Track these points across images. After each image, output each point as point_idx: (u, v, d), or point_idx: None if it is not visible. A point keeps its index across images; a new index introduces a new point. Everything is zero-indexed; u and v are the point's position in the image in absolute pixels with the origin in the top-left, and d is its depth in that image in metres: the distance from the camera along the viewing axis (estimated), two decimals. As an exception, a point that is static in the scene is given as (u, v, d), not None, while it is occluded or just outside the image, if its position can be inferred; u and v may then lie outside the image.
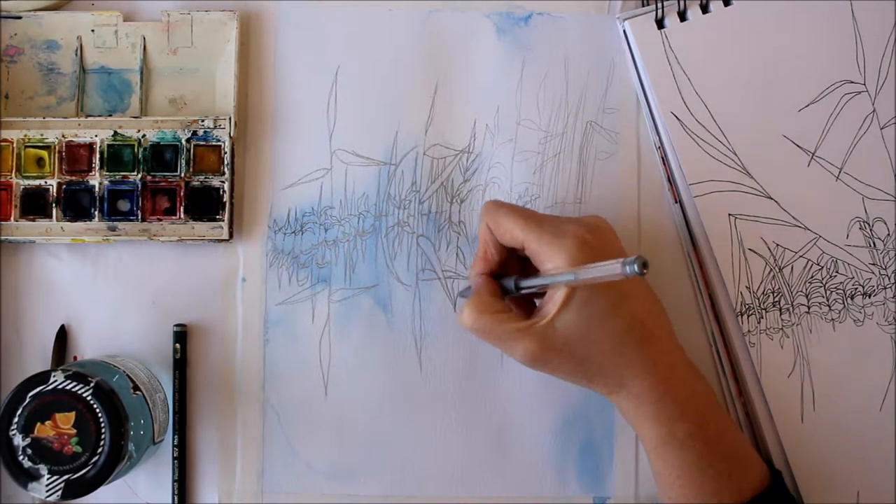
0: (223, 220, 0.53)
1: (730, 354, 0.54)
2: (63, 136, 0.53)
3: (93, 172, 0.53)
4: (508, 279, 0.49)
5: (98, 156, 0.53)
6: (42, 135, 0.53)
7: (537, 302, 0.49)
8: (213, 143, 0.54)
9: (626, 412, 0.48)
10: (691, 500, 0.46)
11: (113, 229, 0.53)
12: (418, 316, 0.55)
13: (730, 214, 0.54)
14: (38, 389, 0.46)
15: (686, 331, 0.54)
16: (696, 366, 0.49)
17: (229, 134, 0.54)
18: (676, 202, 0.55)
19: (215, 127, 0.54)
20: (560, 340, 0.46)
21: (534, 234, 0.47)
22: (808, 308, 0.54)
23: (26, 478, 0.45)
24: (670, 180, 0.55)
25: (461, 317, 0.48)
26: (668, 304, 0.53)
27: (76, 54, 0.54)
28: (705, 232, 0.53)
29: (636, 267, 0.38)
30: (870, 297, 0.54)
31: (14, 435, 0.45)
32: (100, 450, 0.46)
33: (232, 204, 0.54)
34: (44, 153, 0.54)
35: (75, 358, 0.54)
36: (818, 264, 0.54)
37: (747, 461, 0.48)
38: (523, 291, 0.48)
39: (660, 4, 0.54)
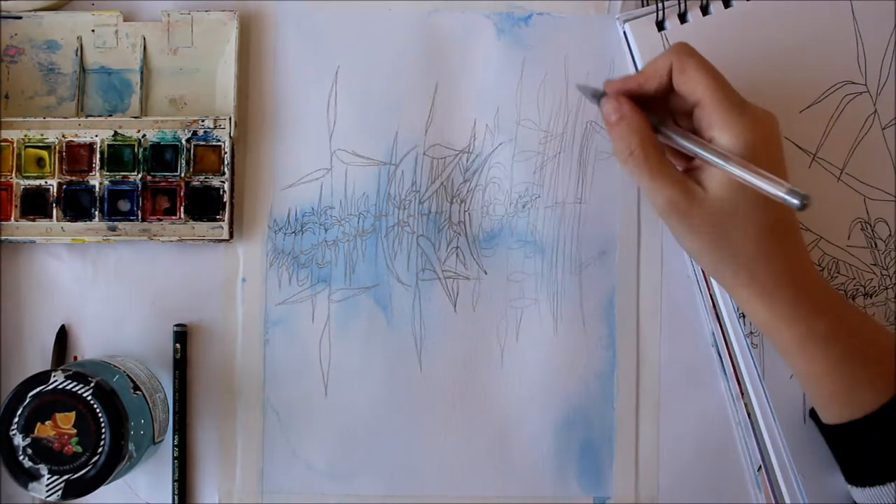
0: (223, 220, 0.53)
1: (731, 355, 0.54)
2: (63, 136, 0.53)
3: (93, 172, 0.53)
4: (650, 116, 0.46)
5: (98, 156, 0.53)
6: (42, 135, 0.53)
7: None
8: (213, 143, 0.54)
9: (755, 313, 0.47)
10: (844, 394, 0.46)
11: (113, 229, 0.53)
12: (418, 316, 0.55)
13: (730, 215, 0.54)
14: (38, 389, 0.46)
15: (687, 331, 0.54)
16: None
17: (229, 134, 0.54)
18: (677, 202, 0.55)
19: (215, 127, 0.54)
20: (708, 207, 0.45)
21: (718, 97, 0.45)
22: (809, 308, 0.53)
23: (26, 478, 0.45)
24: (671, 180, 0.55)
25: (621, 150, 0.46)
26: (669, 305, 0.53)
27: (76, 54, 0.54)
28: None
29: (798, 199, 0.37)
30: (871, 297, 0.54)
31: (14, 435, 0.45)
32: (100, 450, 0.46)
33: (232, 204, 0.54)
34: (44, 153, 0.54)
35: (75, 358, 0.54)
36: (819, 265, 0.54)
37: (889, 347, 0.47)
38: (662, 140, 0.46)
39: (660, 6, 0.54)
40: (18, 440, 0.45)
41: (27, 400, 0.46)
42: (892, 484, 0.46)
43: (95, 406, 0.46)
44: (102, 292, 0.54)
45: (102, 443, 0.46)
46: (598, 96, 0.48)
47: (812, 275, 0.47)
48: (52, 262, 0.54)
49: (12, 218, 0.53)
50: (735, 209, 0.45)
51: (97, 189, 0.53)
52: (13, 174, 0.53)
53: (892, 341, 0.48)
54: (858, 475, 0.48)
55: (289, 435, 0.54)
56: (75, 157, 0.54)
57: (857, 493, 0.49)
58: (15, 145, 0.53)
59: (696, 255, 0.48)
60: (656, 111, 0.47)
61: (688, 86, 0.46)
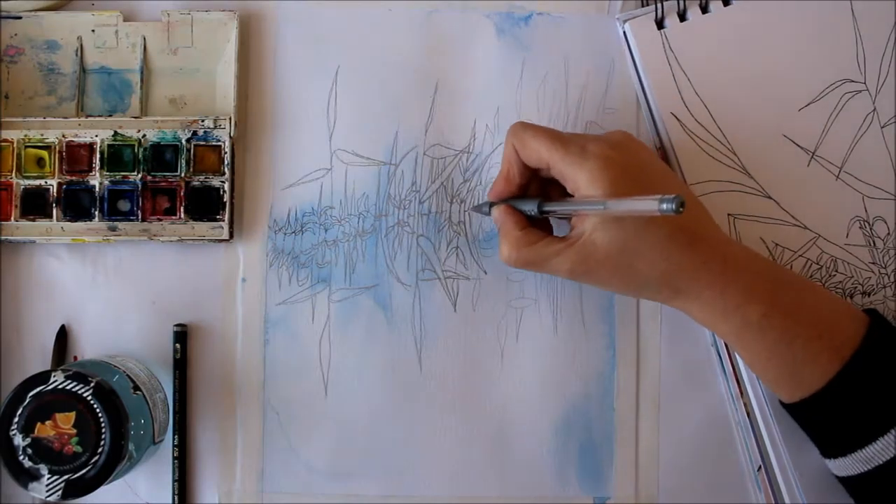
0: (223, 220, 0.53)
1: (731, 355, 0.54)
2: (63, 136, 0.53)
3: (93, 172, 0.53)
4: (530, 203, 0.49)
5: (98, 156, 0.53)
6: (42, 135, 0.53)
7: (554, 224, 0.50)
8: (213, 143, 0.54)
9: (692, 315, 0.48)
10: (788, 375, 0.47)
11: (113, 229, 0.53)
12: (418, 316, 0.55)
13: (729, 214, 0.54)
14: (38, 389, 0.46)
15: (687, 331, 0.54)
16: (751, 248, 0.49)
17: (229, 134, 0.54)
18: (676, 202, 0.55)
19: (215, 127, 0.54)
20: (601, 254, 0.46)
21: (559, 155, 0.47)
22: (809, 308, 0.53)
23: (26, 478, 0.45)
24: (670, 180, 0.55)
25: (501, 255, 0.49)
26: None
27: (76, 54, 0.54)
28: (705, 231, 0.53)
29: (673, 205, 0.37)
30: (869, 295, 0.54)
31: (14, 435, 0.45)
32: (100, 450, 0.45)
33: (232, 204, 0.54)
34: (44, 153, 0.54)
35: (75, 358, 0.54)
36: (818, 263, 0.54)
37: (835, 317, 0.47)
38: (545, 216, 0.48)
39: (659, 5, 0.54)
40: (18, 440, 0.45)
41: (27, 400, 0.45)
42: (853, 455, 0.47)
43: (95, 406, 0.46)
44: (102, 292, 0.54)
45: (102, 443, 0.45)
46: (488, 208, 0.52)
47: (738, 263, 0.47)
48: (52, 262, 0.54)
49: (12, 218, 0.53)
50: (625, 241, 0.46)
51: (97, 189, 0.53)
52: (13, 174, 0.53)
53: (840, 309, 0.48)
54: (824, 448, 0.49)
55: (289, 435, 0.54)
56: (75, 157, 0.54)
57: (829, 464, 0.49)
58: (15, 145, 0.53)
59: (619, 292, 0.50)
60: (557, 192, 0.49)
61: (532, 158, 0.48)
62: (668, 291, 0.47)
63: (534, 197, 0.49)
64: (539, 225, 0.50)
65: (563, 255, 0.47)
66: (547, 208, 0.48)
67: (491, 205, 0.51)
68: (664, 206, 0.37)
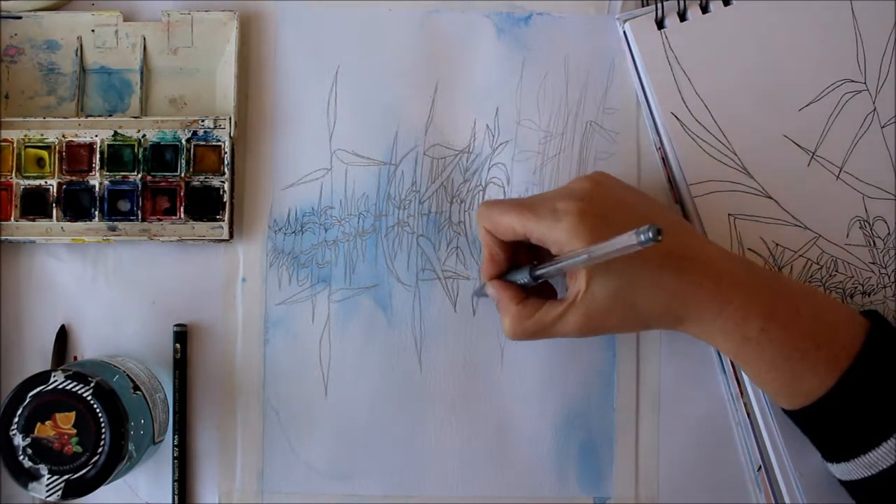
0: (223, 220, 0.53)
1: (731, 356, 0.54)
2: (63, 136, 0.53)
3: (93, 172, 0.53)
4: (521, 272, 0.49)
5: (98, 156, 0.53)
6: (42, 135, 0.53)
7: (556, 284, 0.50)
8: (213, 143, 0.54)
9: (697, 337, 0.48)
10: (788, 386, 0.47)
11: (113, 229, 0.53)
12: (418, 316, 0.55)
13: (729, 214, 0.54)
14: (38, 389, 0.46)
15: (686, 330, 0.54)
16: (747, 260, 0.50)
17: (229, 134, 0.54)
18: (677, 202, 0.55)
19: (215, 127, 0.54)
20: (602, 302, 0.46)
21: (532, 223, 0.47)
22: (809, 308, 0.53)
23: (26, 478, 0.45)
24: (670, 180, 0.55)
25: (505, 331, 0.49)
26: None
27: (76, 54, 0.54)
28: (705, 232, 0.53)
29: (651, 234, 0.37)
30: (869, 295, 0.54)
31: (14, 435, 0.45)
32: (100, 450, 0.45)
33: (232, 204, 0.54)
34: (44, 153, 0.54)
35: (75, 358, 0.54)
36: (818, 263, 0.54)
37: (834, 324, 0.47)
38: (541, 280, 0.48)
39: (660, 5, 0.54)
40: (18, 440, 0.45)
41: (27, 400, 0.45)
42: (855, 460, 0.47)
43: (95, 406, 0.46)
44: (102, 292, 0.54)
45: (102, 443, 0.45)
46: (481, 294, 0.53)
47: (732, 279, 0.47)
48: (52, 262, 0.54)
49: (12, 218, 0.53)
50: (621, 282, 0.46)
51: (97, 189, 0.53)
52: (13, 174, 0.53)
53: (840, 314, 0.48)
54: (826, 453, 0.49)
55: (289, 435, 0.54)
56: (75, 157, 0.54)
57: (832, 468, 0.49)
58: (15, 145, 0.53)
59: (629, 332, 0.51)
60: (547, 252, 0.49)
61: (508, 234, 0.48)
62: (672, 320, 0.47)
63: (524, 266, 0.49)
64: (538, 290, 0.50)
65: (566, 317, 0.47)
66: (538, 272, 0.48)
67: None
68: (641, 237, 0.37)
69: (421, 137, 0.55)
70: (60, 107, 0.55)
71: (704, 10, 0.55)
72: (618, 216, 0.47)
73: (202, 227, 0.53)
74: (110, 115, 0.55)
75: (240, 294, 0.55)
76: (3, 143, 0.53)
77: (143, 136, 0.54)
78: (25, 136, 0.53)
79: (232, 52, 0.54)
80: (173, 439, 0.53)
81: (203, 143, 0.54)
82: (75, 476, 0.45)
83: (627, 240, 0.38)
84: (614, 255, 0.41)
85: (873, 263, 0.54)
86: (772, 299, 0.47)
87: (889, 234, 0.54)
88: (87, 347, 0.54)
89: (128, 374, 0.49)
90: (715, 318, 0.47)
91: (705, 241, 0.49)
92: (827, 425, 0.47)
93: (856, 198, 0.54)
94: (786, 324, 0.46)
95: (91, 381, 0.46)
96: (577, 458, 0.54)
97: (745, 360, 0.47)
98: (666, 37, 0.54)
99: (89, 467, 0.45)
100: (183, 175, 0.54)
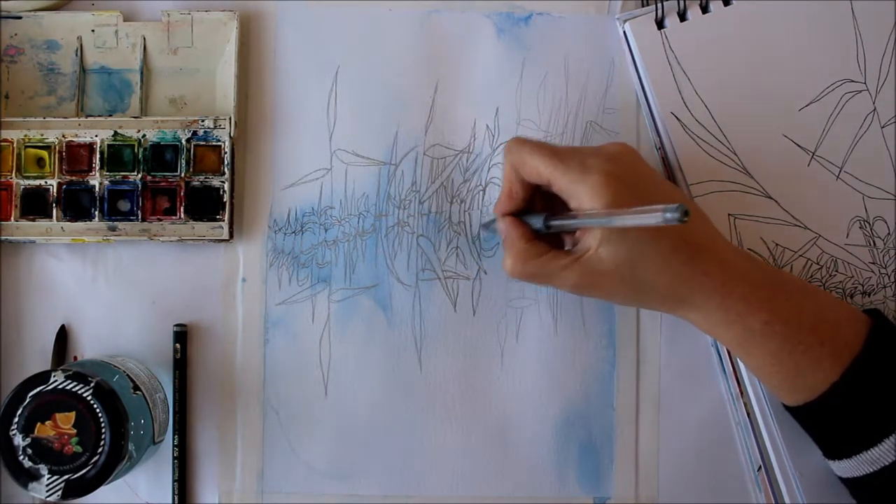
0: (223, 220, 0.53)
1: (731, 355, 0.54)
2: (63, 136, 0.53)
3: (93, 172, 0.53)
4: (536, 217, 0.48)
5: (98, 156, 0.53)
6: (42, 135, 0.53)
7: (565, 239, 0.49)
8: (213, 143, 0.54)
9: (695, 324, 0.48)
10: (790, 381, 0.47)
11: (113, 229, 0.53)
12: (418, 316, 0.55)
13: (729, 214, 0.54)
14: (38, 389, 0.46)
15: (687, 331, 0.54)
16: (753, 256, 0.49)
17: (229, 134, 0.54)
18: (676, 202, 0.55)
19: (215, 127, 0.54)
20: (607, 266, 0.46)
21: (559, 172, 0.46)
22: (809, 308, 0.53)
23: (26, 478, 0.45)
24: (670, 180, 0.55)
25: (505, 266, 0.48)
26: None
27: (76, 54, 0.54)
28: (705, 231, 0.53)
29: (678, 214, 0.36)
30: (869, 295, 0.54)
31: (14, 435, 0.45)
32: (100, 450, 0.45)
33: (232, 204, 0.54)
34: (44, 153, 0.54)
35: (75, 358, 0.54)
36: (818, 263, 0.54)
37: (837, 321, 0.47)
38: (553, 230, 0.48)
39: (660, 5, 0.54)
40: (18, 440, 0.45)
41: (27, 400, 0.45)
42: (857, 457, 0.47)
43: (95, 406, 0.46)
44: (102, 292, 0.54)
45: (102, 443, 0.45)
46: (488, 227, 0.53)
47: (739, 272, 0.47)
48: (52, 262, 0.54)
49: (12, 218, 0.53)
50: (630, 253, 0.46)
51: (97, 189, 0.53)
52: (13, 174, 0.53)
53: (842, 312, 0.48)
54: (828, 449, 0.49)
55: (289, 435, 0.54)
56: (75, 157, 0.54)
57: (832, 465, 0.49)
58: (15, 145, 0.53)
59: (624, 304, 0.50)
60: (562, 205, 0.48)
61: (532, 175, 0.48)
62: (672, 302, 0.47)
63: (540, 212, 0.49)
64: (544, 240, 0.50)
65: (569, 270, 0.47)
66: (553, 223, 0.47)
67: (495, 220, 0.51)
68: (668, 215, 0.37)
69: (421, 137, 0.55)
70: (60, 107, 0.55)
71: (704, 10, 0.55)
72: (642, 188, 0.46)
73: (202, 227, 0.53)
74: (110, 115, 0.55)
75: (240, 294, 0.55)
76: (3, 143, 0.53)
77: (143, 136, 0.54)
78: (25, 136, 0.53)
79: (232, 52, 0.54)
80: (173, 439, 0.53)
81: (203, 143, 0.54)
82: (75, 476, 0.45)
83: (653, 215, 0.38)
84: (634, 225, 0.41)
85: (873, 263, 0.54)
86: (777, 294, 0.47)
87: (889, 233, 0.54)
88: (87, 347, 0.54)
89: (128, 374, 0.49)
90: (718, 308, 0.47)
91: (717, 234, 0.49)
92: (829, 421, 0.47)
93: (856, 198, 0.54)
94: (790, 318, 0.46)
95: (91, 381, 0.46)
96: (576, 458, 0.54)
97: (748, 352, 0.47)
98: (666, 37, 0.54)
99: (89, 467, 0.45)
100: (183, 175, 0.54)
